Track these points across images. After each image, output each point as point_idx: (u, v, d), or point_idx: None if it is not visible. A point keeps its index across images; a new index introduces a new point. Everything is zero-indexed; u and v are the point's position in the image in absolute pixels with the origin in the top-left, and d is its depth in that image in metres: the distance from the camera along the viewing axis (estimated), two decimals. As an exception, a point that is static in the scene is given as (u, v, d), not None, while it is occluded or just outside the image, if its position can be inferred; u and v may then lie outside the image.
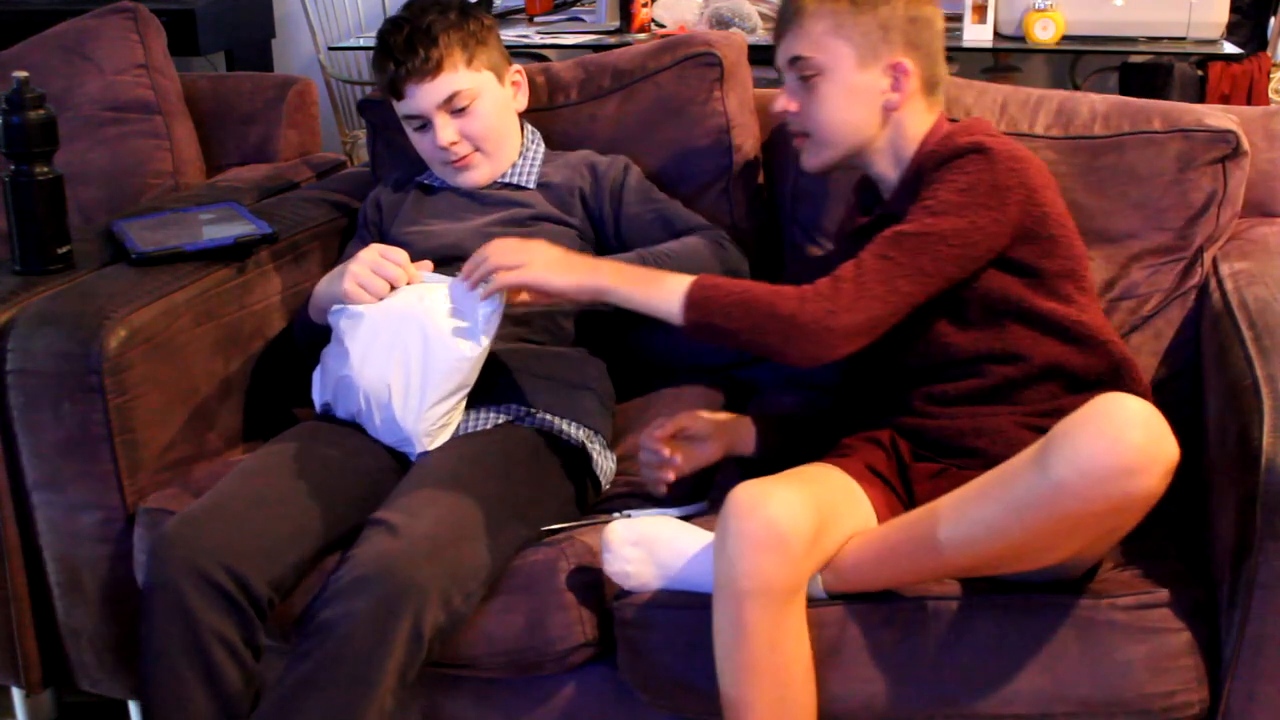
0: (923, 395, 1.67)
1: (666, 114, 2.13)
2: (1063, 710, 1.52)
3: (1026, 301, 1.63)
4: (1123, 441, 1.35)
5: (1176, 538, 1.66)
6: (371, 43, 3.64)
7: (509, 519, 1.66)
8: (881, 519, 1.59)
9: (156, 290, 1.82)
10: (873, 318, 1.55)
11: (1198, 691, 1.51)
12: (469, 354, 1.71)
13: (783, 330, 1.54)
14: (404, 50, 1.91)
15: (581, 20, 3.53)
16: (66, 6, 3.10)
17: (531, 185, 2.01)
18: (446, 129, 1.94)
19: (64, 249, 1.92)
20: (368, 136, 2.29)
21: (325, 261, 2.12)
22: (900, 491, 1.65)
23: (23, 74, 1.86)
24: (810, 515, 1.47)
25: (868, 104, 1.70)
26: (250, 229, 1.98)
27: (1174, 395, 1.86)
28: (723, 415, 1.82)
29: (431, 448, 1.74)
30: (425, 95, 1.92)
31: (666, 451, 1.73)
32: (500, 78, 1.99)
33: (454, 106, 1.93)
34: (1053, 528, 1.40)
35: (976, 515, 1.44)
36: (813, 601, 1.54)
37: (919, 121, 1.72)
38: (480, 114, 1.95)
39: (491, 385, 1.82)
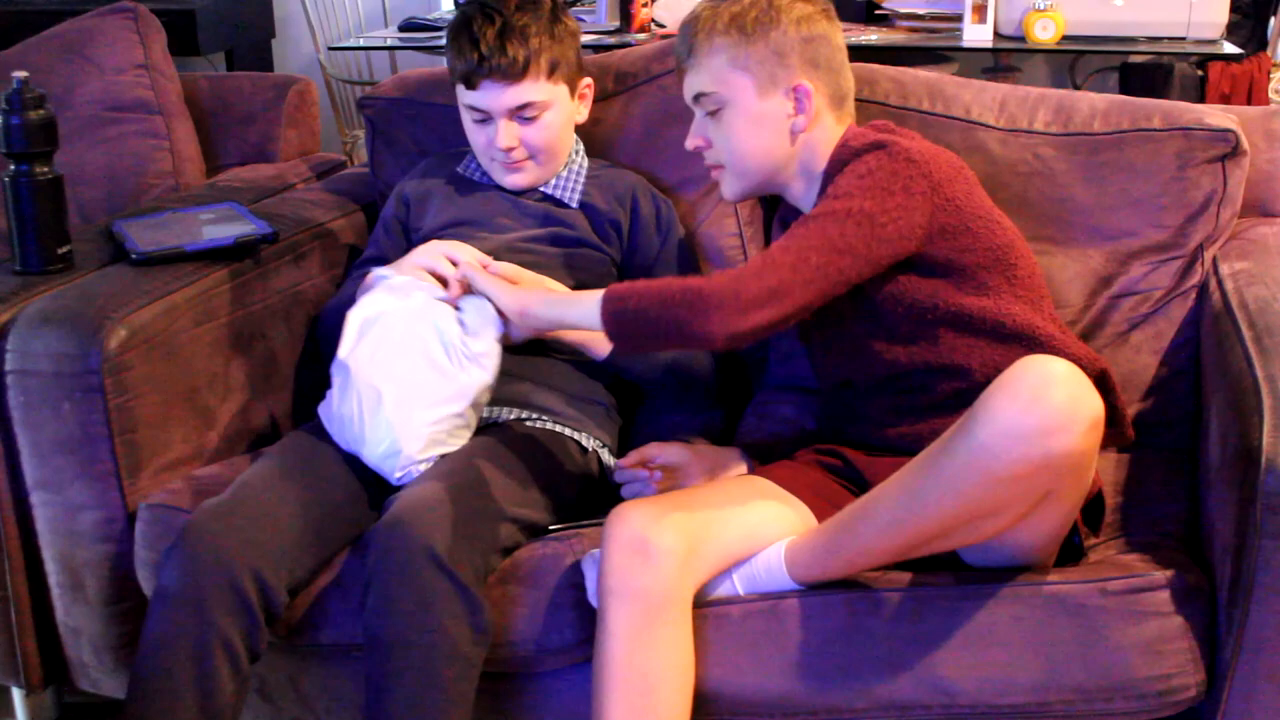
0: (878, 409, 1.70)
1: (669, 117, 2.12)
2: (1059, 698, 1.52)
3: (953, 302, 1.64)
4: (1042, 400, 1.38)
5: (1177, 535, 1.66)
6: (372, 43, 3.68)
7: (513, 489, 1.68)
8: (821, 512, 1.63)
9: (156, 290, 1.82)
10: (781, 282, 1.54)
11: (1194, 675, 1.51)
12: (473, 378, 1.70)
13: (690, 302, 1.54)
14: (493, 46, 1.86)
15: (582, 20, 3.53)
16: (66, 6, 3.10)
17: (574, 204, 1.98)
18: (508, 133, 1.91)
19: (64, 249, 1.91)
20: (366, 135, 2.28)
21: (325, 261, 2.12)
22: (855, 490, 1.67)
23: (23, 74, 1.86)
24: (680, 529, 1.53)
25: (775, 130, 1.72)
26: (250, 229, 1.98)
27: (1174, 395, 1.86)
28: (702, 445, 1.84)
29: (419, 456, 1.69)
30: (500, 97, 1.89)
31: (637, 471, 1.77)
32: (573, 90, 1.96)
33: (524, 115, 1.91)
34: (983, 493, 1.43)
35: (913, 488, 1.47)
36: (786, 594, 1.56)
37: (829, 137, 1.74)
38: (545, 125, 1.92)
39: (503, 393, 1.83)
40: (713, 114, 1.74)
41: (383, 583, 1.54)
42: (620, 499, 1.83)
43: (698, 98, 1.75)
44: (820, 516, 1.62)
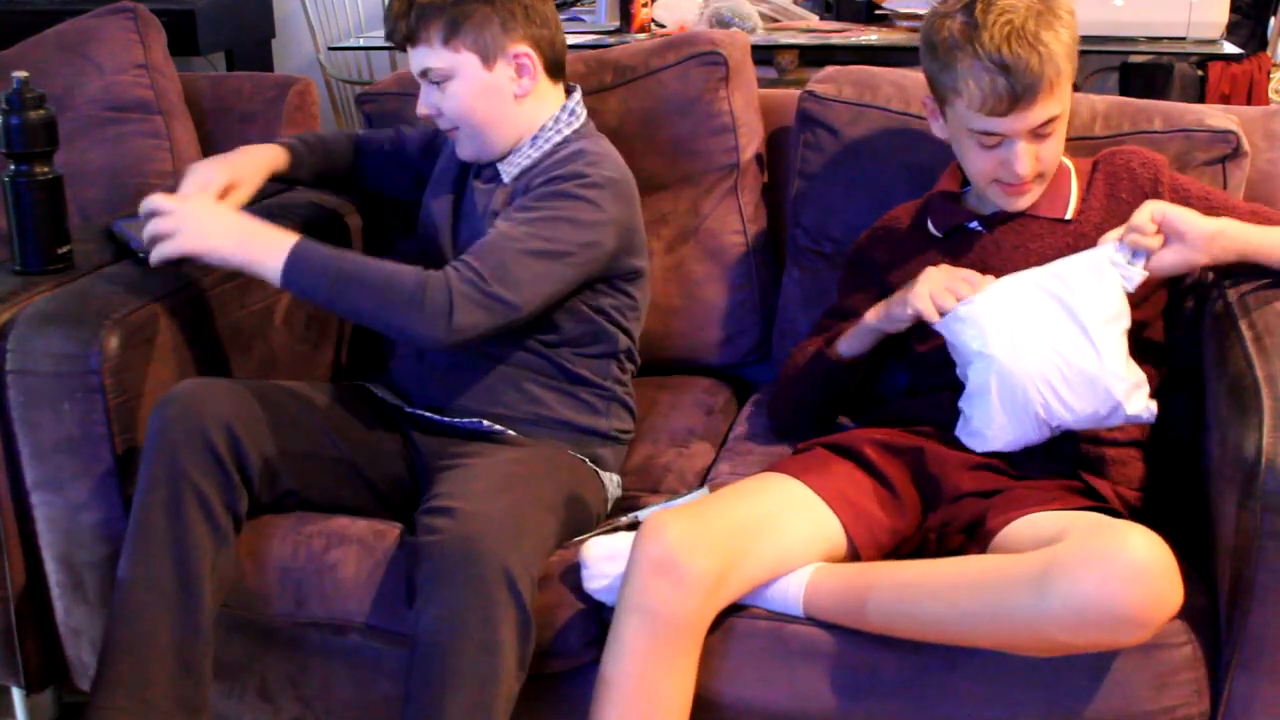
0: None
1: (670, 112, 2.13)
2: (1063, 730, 1.51)
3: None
4: (1127, 595, 1.35)
5: (1178, 538, 1.66)
6: (372, 43, 3.69)
7: (558, 514, 1.68)
8: (856, 533, 1.61)
9: (156, 290, 1.82)
10: None
11: (1198, 704, 1.50)
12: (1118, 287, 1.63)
13: None
14: (395, 11, 1.83)
15: (581, 20, 3.53)
16: (66, 6, 3.10)
17: (508, 180, 1.88)
18: (424, 98, 1.86)
19: (64, 249, 1.91)
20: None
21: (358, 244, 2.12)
22: (901, 486, 1.67)
23: (23, 74, 1.86)
24: (713, 554, 1.50)
25: None
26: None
27: (1174, 395, 1.86)
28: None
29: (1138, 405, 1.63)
30: (411, 59, 1.85)
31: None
32: (488, 60, 1.82)
33: (430, 80, 1.84)
34: (1036, 645, 1.43)
35: (965, 607, 1.45)
36: (793, 619, 1.56)
37: None
38: (455, 95, 1.83)
39: (504, 414, 1.83)
40: (1047, 133, 1.70)
41: (451, 594, 1.52)
42: (627, 507, 1.84)
43: (1049, 121, 1.68)
44: (851, 529, 1.61)
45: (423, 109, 1.86)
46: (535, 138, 1.87)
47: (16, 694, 1.99)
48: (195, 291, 1.87)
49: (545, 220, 1.75)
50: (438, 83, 1.84)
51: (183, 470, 1.62)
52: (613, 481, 1.87)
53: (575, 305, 1.84)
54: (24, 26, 2.63)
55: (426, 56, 1.82)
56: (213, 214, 1.74)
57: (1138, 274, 1.63)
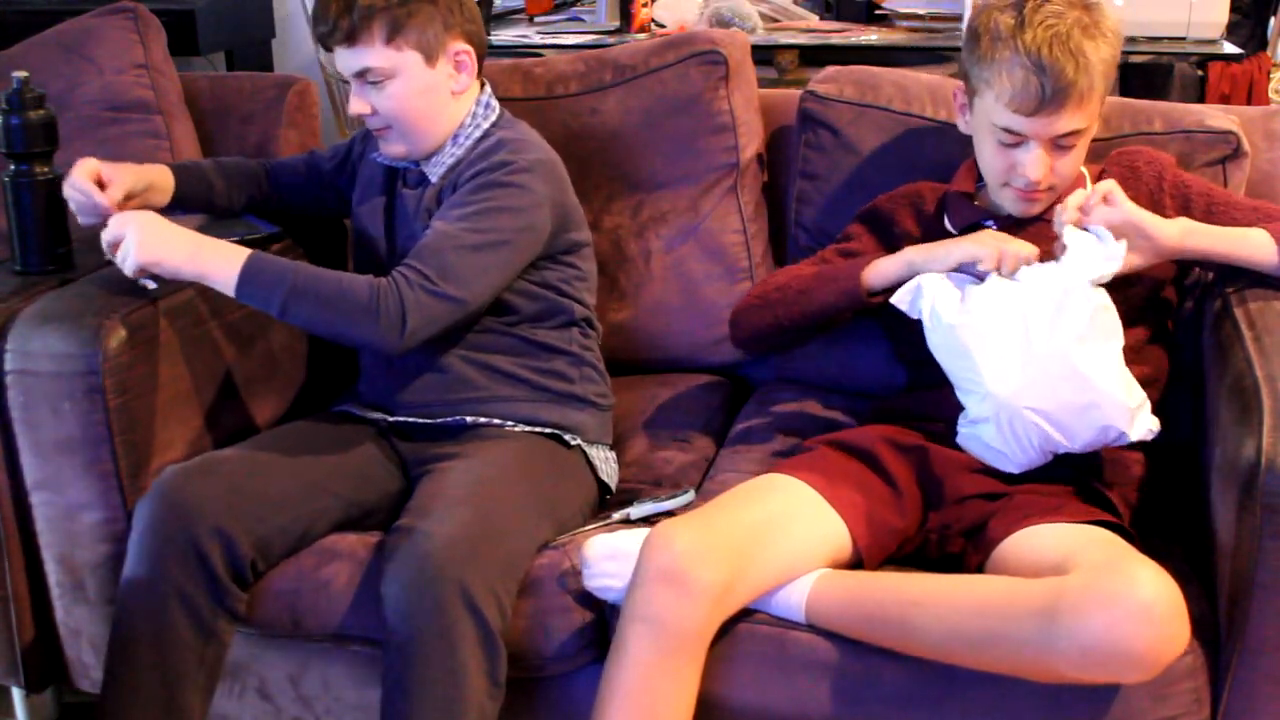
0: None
1: (670, 110, 2.13)
2: (1063, 740, 1.50)
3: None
4: (1136, 637, 1.35)
5: (1179, 538, 1.66)
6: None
7: (535, 517, 1.68)
8: (861, 539, 1.61)
9: (157, 290, 1.81)
10: None
11: (1198, 713, 1.50)
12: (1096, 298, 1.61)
13: None
14: (330, 11, 1.78)
15: (581, 20, 3.53)
16: (66, 6, 3.10)
17: (435, 179, 1.87)
18: (358, 99, 1.82)
19: (64, 249, 1.91)
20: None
21: (327, 260, 2.11)
22: (905, 484, 1.67)
23: (23, 74, 1.86)
24: (721, 564, 1.49)
25: None
26: (255, 228, 1.98)
27: (1175, 395, 1.86)
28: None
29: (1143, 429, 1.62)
30: (342, 60, 1.81)
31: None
32: (430, 58, 1.80)
33: (368, 80, 1.80)
34: (1040, 675, 1.43)
35: (969, 633, 1.45)
36: (795, 625, 1.56)
37: None
38: (394, 95, 1.80)
39: (483, 398, 1.83)
40: (1066, 145, 1.71)
41: (408, 618, 1.54)
42: (627, 497, 1.84)
43: (1069, 134, 1.69)
44: (856, 535, 1.61)
45: (357, 107, 1.82)
46: (456, 135, 1.86)
47: (16, 694, 1.99)
48: (196, 291, 1.86)
49: (480, 213, 1.76)
50: (376, 82, 1.80)
51: (167, 575, 1.61)
52: (605, 459, 1.87)
53: (523, 285, 1.84)
54: (24, 26, 2.62)
55: (367, 56, 1.78)
56: (164, 225, 1.72)
57: (1117, 248, 1.61)
